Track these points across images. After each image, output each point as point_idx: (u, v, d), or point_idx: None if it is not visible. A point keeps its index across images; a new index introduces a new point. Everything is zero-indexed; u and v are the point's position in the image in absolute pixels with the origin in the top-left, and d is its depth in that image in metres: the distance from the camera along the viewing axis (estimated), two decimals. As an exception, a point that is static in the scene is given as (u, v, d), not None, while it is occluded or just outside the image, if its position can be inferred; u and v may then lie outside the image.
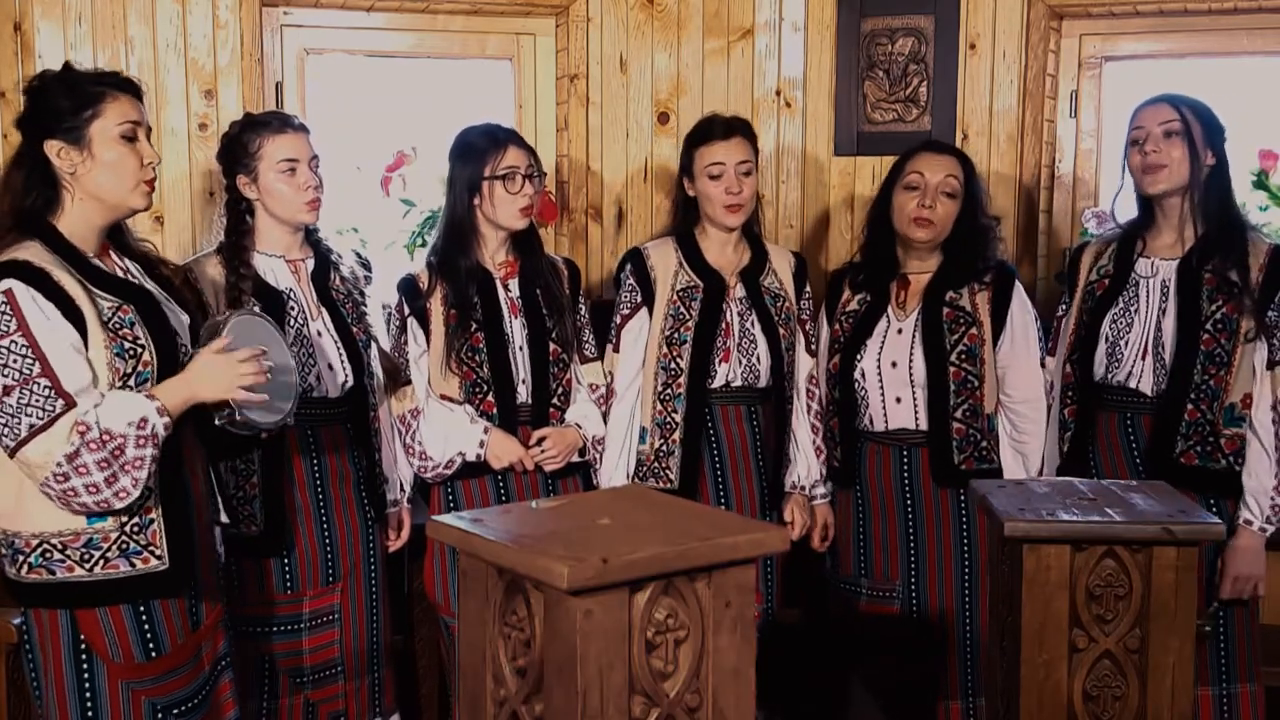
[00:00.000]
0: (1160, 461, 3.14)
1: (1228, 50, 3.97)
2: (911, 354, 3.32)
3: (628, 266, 3.42)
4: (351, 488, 3.16)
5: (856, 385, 3.37)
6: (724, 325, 3.35)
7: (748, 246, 3.44)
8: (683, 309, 3.35)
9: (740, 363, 3.36)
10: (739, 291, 3.38)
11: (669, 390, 3.34)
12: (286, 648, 3.10)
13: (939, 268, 3.36)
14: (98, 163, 2.53)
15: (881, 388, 3.34)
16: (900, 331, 3.35)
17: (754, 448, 3.38)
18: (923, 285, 3.36)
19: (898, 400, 3.34)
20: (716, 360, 3.34)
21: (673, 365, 3.34)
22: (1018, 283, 3.39)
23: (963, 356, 3.30)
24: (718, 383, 3.35)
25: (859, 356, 3.36)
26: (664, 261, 3.40)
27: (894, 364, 3.33)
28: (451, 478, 3.27)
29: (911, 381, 3.32)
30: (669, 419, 3.34)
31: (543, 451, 3.25)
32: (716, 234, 3.41)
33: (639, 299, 3.39)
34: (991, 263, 3.38)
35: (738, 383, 3.36)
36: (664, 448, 3.35)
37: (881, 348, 3.35)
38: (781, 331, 3.38)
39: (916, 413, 3.32)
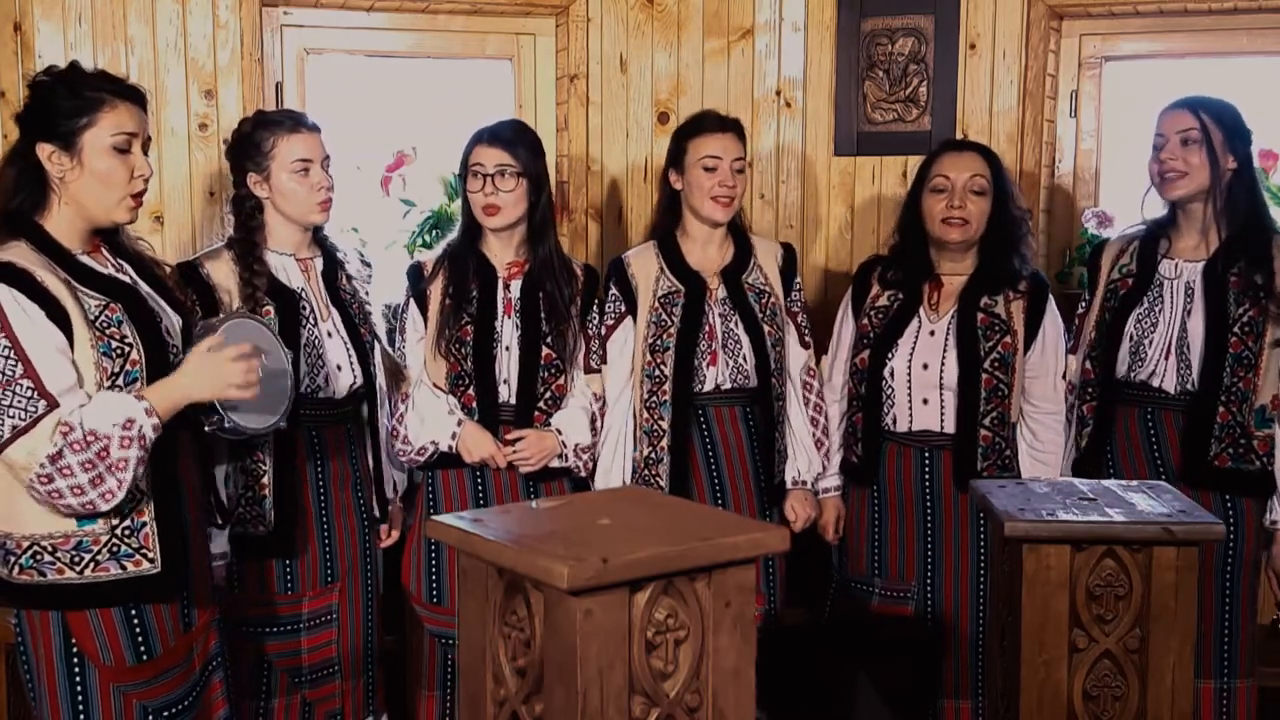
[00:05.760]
0: (1195, 465, 3.14)
1: (1228, 50, 3.98)
2: (944, 357, 3.30)
3: (611, 277, 3.42)
4: (350, 488, 3.16)
5: (884, 384, 3.34)
6: (707, 328, 3.34)
7: (732, 243, 3.42)
8: (664, 315, 3.34)
9: (728, 364, 3.34)
10: (721, 293, 3.37)
11: (654, 397, 3.33)
12: (285, 647, 3.10)
13: (974, 271, 3.35)
14: (86, 171, 2.49)
15: (909, 388, 3.33)
16: (933, 334, 3.33)
17: (751, 448, 3.37)
18: (956, 288, 3.35)
19: (924, 402, 3.32)
20: (704, 364, 3.33)
21: (657, 373, 3.32)
22: (1050, 295, 3.38)
23: (996, 364, 3.29)
24: (707, 386, 3.34)
25: (890, 355, 3.34)
26: (645, 268, 3.39)
27: (925, 366, 3.32)
28: (431, 467, 3.26)
29: (941, 384, 3.30)
30: (656, 426, 3.33)
31: (515, 451, 3.23)
32: (699, 232, 3.39)
33: (622, 308, 3.39)
34: (1026, 270, 3.36)
35: (727, 385, 3.34)
36: (653, 455, 3.33)
37: (913, 349, 3.33)
38: (767, 329, 3.36)
39: (943, 416, 3.31)
